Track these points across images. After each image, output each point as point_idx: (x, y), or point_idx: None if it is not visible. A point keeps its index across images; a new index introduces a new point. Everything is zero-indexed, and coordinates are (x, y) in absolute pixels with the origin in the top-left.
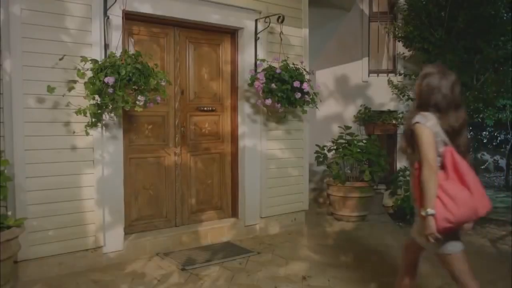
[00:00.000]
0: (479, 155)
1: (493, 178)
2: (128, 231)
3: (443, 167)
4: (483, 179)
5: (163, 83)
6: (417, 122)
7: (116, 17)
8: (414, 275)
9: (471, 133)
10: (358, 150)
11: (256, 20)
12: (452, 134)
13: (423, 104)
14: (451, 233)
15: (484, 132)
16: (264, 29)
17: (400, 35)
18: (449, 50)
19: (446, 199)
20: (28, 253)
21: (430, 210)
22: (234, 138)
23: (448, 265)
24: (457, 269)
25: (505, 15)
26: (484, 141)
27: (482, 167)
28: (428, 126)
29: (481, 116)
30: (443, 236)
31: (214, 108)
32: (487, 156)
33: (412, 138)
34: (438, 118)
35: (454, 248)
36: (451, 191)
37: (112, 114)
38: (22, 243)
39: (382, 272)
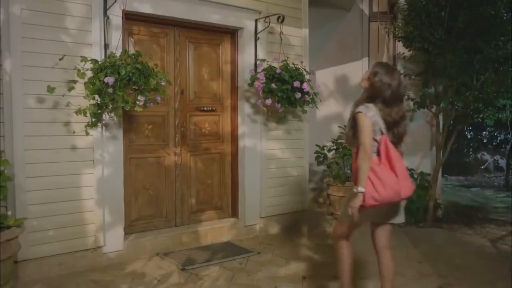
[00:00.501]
0: (479, 155)
1: (493, 178)
2: (128, 231)
3: (378, 153)
4: (483, 179)
5: (163, 83)
6: (360, 112)
7: (116, 17)
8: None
9: (471, 133)
10: None
11: (256, 20)
12: (392, 125)
13: (373, 97)
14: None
15: (484, 132)
16: (264, 29)
17: (400, 35)
18: (449, 50)
19: (376, 181)
20: (28, 253)
21: (360, 188)
22: (234, 138)
23: (335, 224)
24: (337, 230)
25: (505, 15)
26: (484, 141)
27: (482, 167)
28: (369, 116)
29: (481, 116)
30: (362, 215)
31: (214, 108)
32: (487, 156)
33: (354, 125)
34: (380, 109)
35: (347, 217)
36: (381, 175)
37: (112, 114)
38: (22, 243)
39: None
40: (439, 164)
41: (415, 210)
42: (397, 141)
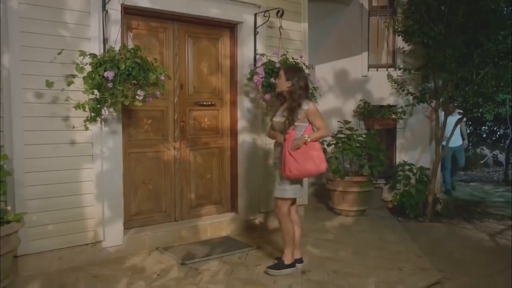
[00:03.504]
0: (478, 150)
1: (492, 172)
2: (127, 226)
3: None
4: (482, 173)
5: (162, 78)
6: (314, 106)
7: (115, 11)
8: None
9: (471, 127)
10: (358, 144)
11: (255, 14)
12: None
13: (303, 95)
14: (289, 184)
15: (484, 127)
16: (264, 23)
17: (399, 29)
18: (448, 45)
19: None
20: (28, 248)
21: (308, 138)
22: (234, 132)
23: (275, 206)
24: (280, 210)
25: (505, 9)
26: (484, 135)
27: (482, 161)
28: (317, 108)
29: (480, 110)
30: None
31: (213, 103)
32: (486, 151)
33: (295, 115)
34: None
35: (283, 195)
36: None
37: (111, 109)
38: (21, 238)
39: (382, 266)
40: (438, 158)
41: (414, 205)
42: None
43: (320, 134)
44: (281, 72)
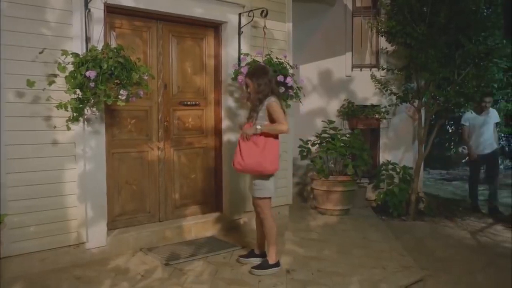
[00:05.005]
0: (460, 149)
1: None
2: (111, 227)
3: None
4: (464, 172)
5: (145, 77)
6: (274, 101)
7: (98, 10)
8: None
9: (453, 127)
10: (342, 144)
11: (239, 14)
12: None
13: (271, 92)
14: (266, 181)
15: None
16: (248, 23)
17: (383, 30)
18: (431, 45)
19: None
20: (10, 250)
21: (259, 128)
22: (218, 132)
23: (258, 206)
24: (263, 210)
25: (485, 11)
26: None
27: (463, 160)
28: (279, 104)
29: (462, 110)
30: (260, 182)
31: (197, 103)
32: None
33: (256, 109)
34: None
35: (263, 194)
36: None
37: (94, 109)
38: (3, 240)
39: (365, 264)
40: (421, 158)
41: (398, 204)
42: None
43: (274, 126)
44: (246, 80)
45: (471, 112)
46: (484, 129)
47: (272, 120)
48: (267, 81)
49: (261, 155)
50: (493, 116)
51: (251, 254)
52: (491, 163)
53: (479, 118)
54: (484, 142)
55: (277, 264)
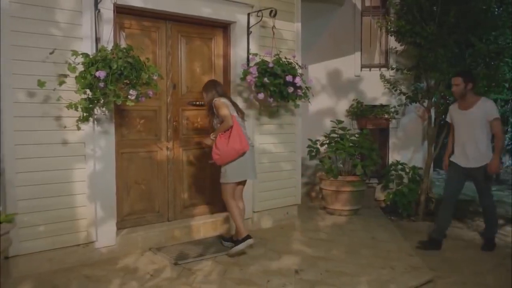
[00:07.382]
0: None
1: None
2: (120, 226)
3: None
4: None
5: (155, 77)
6: (216, 99)
7: (107, 10)
8: (238, 201)
9: None
10: (351, 144)
11: (248, 14)
12: (235, 106)
13: (215, 95)
14: (230, 169)
15: None
16: (257, 23)
17: (392, 29)
18: (440, 45)
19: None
20: (19, 249)
21: (213, 137)
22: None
23: (222, 190)
24: (224, 194)
25: (496, 10)
26: None
27: None
28: (222, 101)
29: None
30: (223, 169)
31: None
32: None
33: (215, 111)
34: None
35: (227, 180)
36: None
37: (104, 109)
38: (12, 239)
39: (374, 265)
40: (430, 158)
41: (407, 204)
42: (242, 116)
43: (221, 128)
44: (204, 95)
45: None
46: None
47: (218, 115)
48: (214, 92)
49: (228, 142)
50: None
51: (227, 239)
52: None
53: None
54: None
55: (248, 237)
